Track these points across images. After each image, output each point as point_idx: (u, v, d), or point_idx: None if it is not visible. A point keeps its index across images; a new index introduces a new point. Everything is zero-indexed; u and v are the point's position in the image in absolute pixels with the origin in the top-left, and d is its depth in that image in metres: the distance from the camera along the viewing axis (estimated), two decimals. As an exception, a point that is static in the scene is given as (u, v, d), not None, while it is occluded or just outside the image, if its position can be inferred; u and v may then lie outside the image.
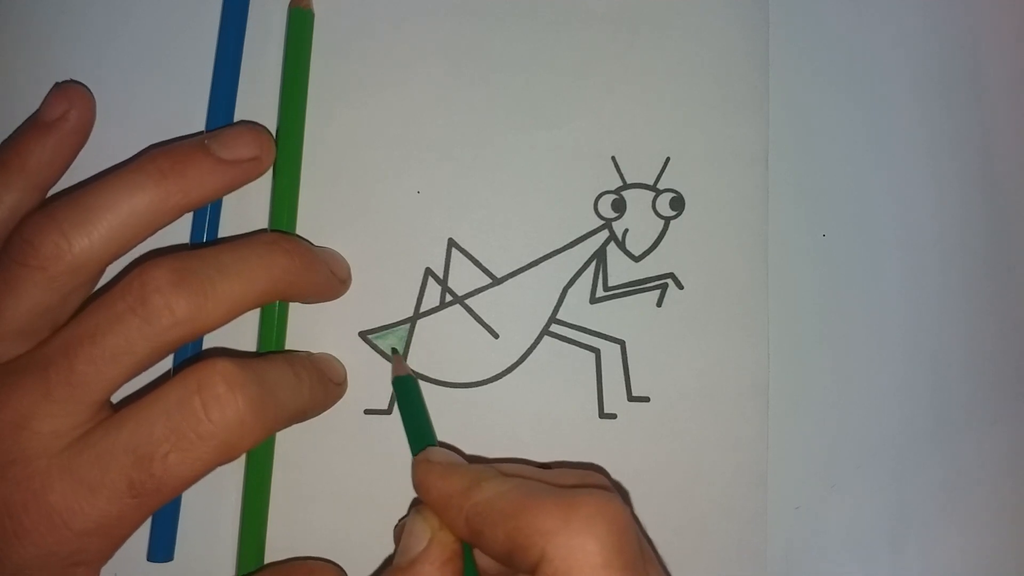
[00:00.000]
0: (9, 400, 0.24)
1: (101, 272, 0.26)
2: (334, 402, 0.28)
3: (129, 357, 0.24)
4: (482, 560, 0.25)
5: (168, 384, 0.24)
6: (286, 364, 0.26)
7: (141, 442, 0.23)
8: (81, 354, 0.23)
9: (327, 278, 0.28)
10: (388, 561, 0.28)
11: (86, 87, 0.29)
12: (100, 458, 0.23)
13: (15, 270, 0.24)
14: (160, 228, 0.26)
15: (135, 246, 0.25)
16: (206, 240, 0.29)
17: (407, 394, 0.28)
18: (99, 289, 0.27)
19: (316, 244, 0.29)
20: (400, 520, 0.28)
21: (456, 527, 0.24)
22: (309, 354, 0.28)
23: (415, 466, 0.26)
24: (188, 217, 0.28)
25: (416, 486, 0.26)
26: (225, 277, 0.24)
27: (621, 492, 0.29)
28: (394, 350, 0.29)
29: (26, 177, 0.27)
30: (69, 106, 0.28)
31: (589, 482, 0.25)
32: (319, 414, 0.28)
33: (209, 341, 0.29)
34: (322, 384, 0.27)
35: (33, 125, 0.28)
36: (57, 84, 0.29)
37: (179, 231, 0.28)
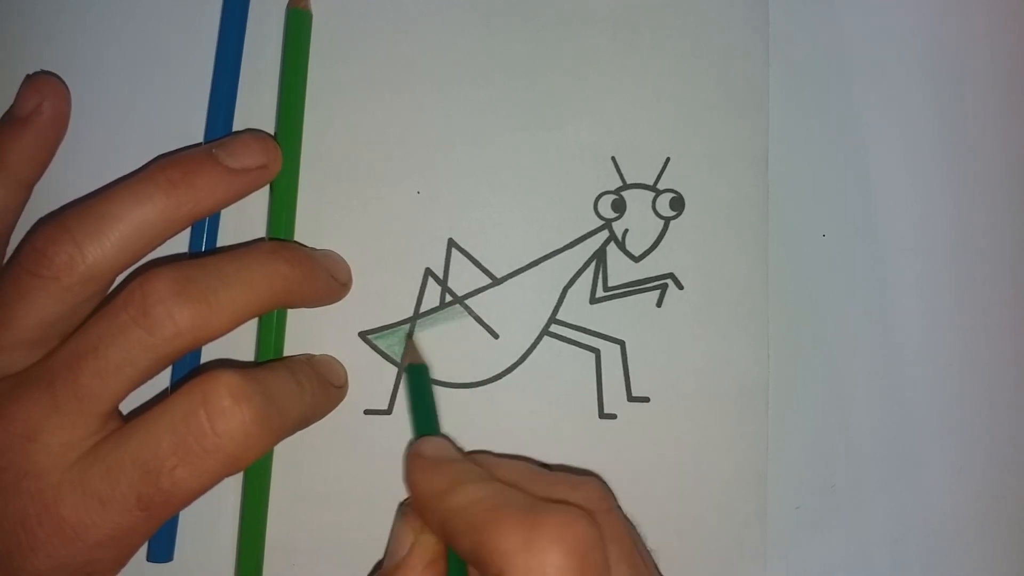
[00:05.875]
0: (18, 413, 0.24)
1: (112, 282, 0.26)
2: (335, 405, 0.28)
3: (132, 368, 0.24)
4: None
5: (173, 397, 0.24)
6: (288, 372, 0.26)
7: (148, 456, 0.23)
8: (85, 367, 0.23)
9: (328, 284, 0.28)
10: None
11: (58, 77, 0.29)
12: (110, 471, 0.23)
13: (27, 280, 0.24)
14: (170, 237, 0.26)
15: (146, 255, 0.25)
16: (206, 241, 0.29)
17: (416, 383, 0.28)
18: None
19: (316, 245, 0.29)
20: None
21: (434, 528, 0.24)
22: (309, 357, 0.28)
23: (405, 459, 0.26)
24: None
25: (404, 480, 0.25)
26: (227, 286, 0.24)
27: (621, 495, 0.28)
28: (409, 336, 0.29)
29: (8, 175, 0.27)
30: (41, 98, 0.28)
31: (577, 495, 0.24)
32: (321, 419, 0.28)
33: (208, 344, 0.29)
34: (323, 389, 0.27)
35: (8, 122, 0.28)
36: (28, 76, 0.29)
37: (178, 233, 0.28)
